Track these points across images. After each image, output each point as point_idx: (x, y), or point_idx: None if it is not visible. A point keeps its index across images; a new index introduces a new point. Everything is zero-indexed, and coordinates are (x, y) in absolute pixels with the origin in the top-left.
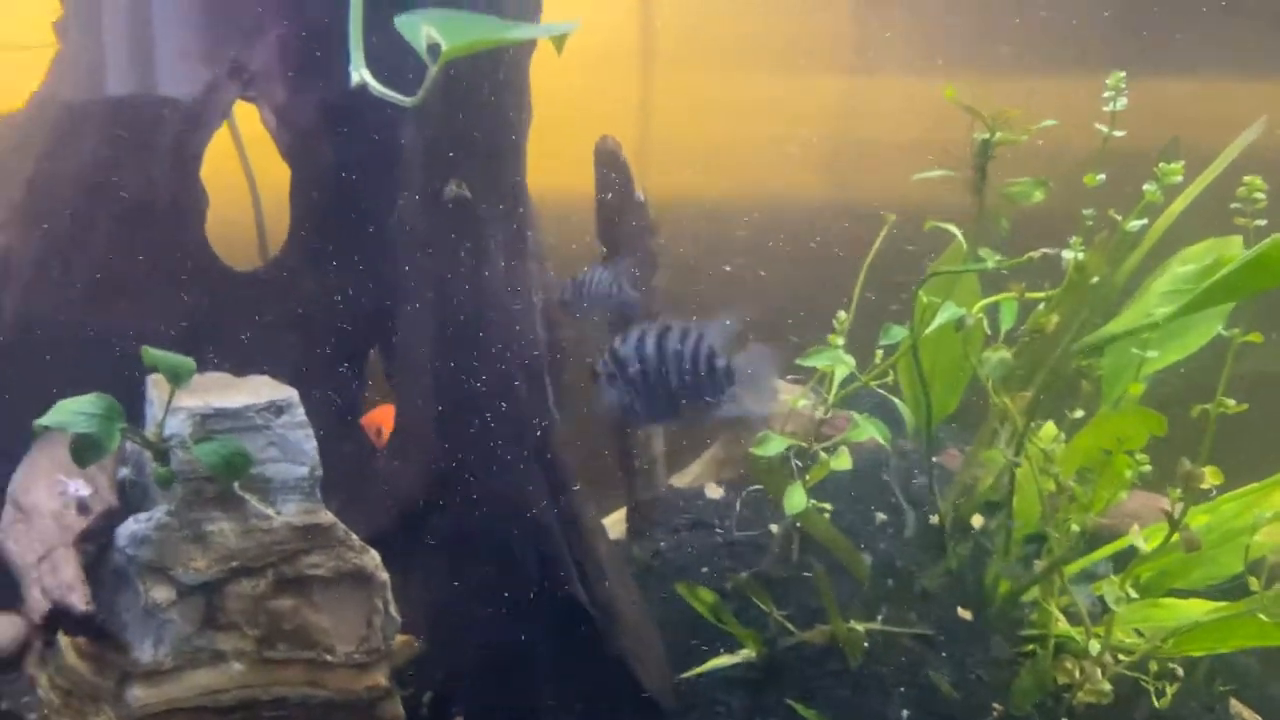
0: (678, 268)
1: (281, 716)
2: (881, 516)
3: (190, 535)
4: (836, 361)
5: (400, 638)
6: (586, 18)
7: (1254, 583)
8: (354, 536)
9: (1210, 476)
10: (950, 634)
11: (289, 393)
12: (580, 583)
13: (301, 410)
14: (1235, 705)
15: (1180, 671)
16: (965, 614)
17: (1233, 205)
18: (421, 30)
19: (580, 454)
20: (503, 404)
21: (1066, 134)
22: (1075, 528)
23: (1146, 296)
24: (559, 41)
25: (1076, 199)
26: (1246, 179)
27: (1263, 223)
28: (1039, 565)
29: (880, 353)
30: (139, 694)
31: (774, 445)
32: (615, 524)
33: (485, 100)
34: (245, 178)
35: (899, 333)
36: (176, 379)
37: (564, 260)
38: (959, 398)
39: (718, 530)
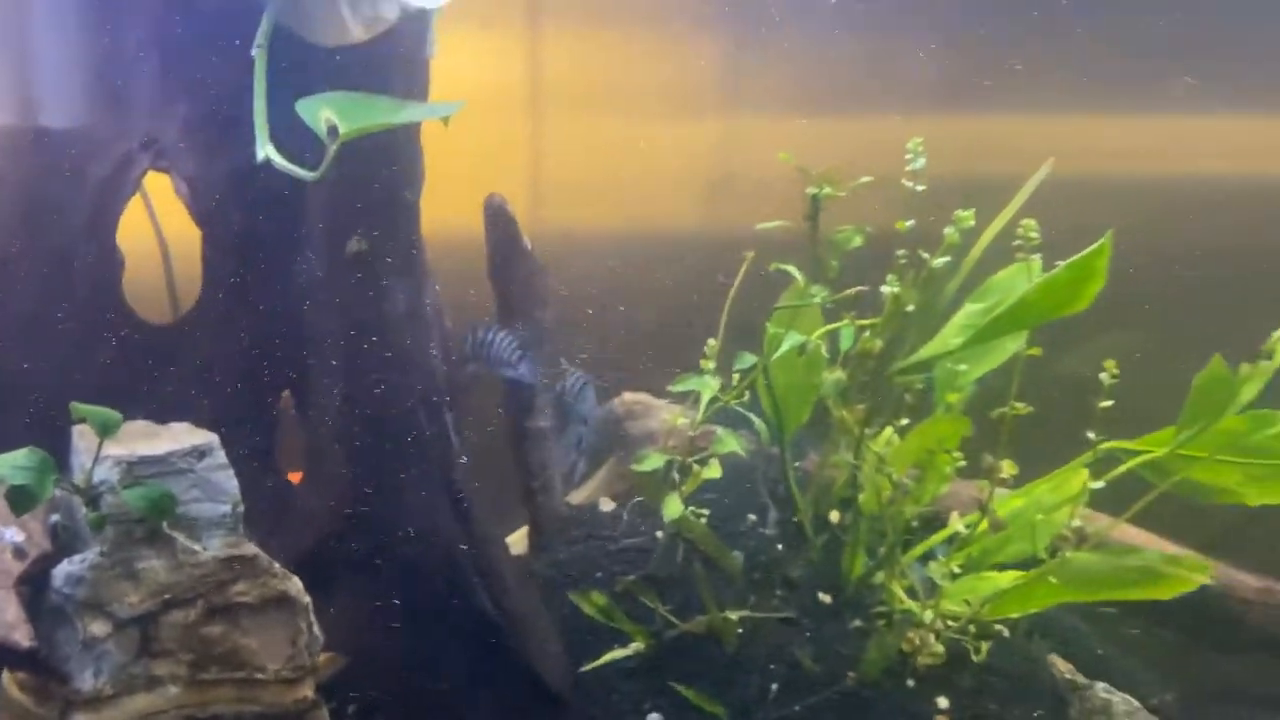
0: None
1: None
2: (752, 517)
3: (123, 573)
4: (702, 386)
5: (325, 655)
6: (478, 65)
7: (1042, 554)
8: (276, 565)
9: (1007, 469)
10: (813, 616)
11: (209, 437)
12: (485, 594)
13: (222, 453)
14: (1053, 659)
15: (1005, 632)
16: (825, 598)
17: (1015, 243)
18: (320, 113)
19: (484, 479)
20: (407, 437)
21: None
22: (909, 517)
23: (948, 328)
24: (445, 120)
25: (940, 222)
26: (1023, 222)
27: (1037, 258)
28: (882, 551)
29: (737, 375)
30: None
31: (653, 461)
32: (519, 540)
33: (380, 161)
34: (157, 240)
35: (749, 359)
36: (105, 430)
37: (460, 302)
38: (809, 411)
39: (610, 540)
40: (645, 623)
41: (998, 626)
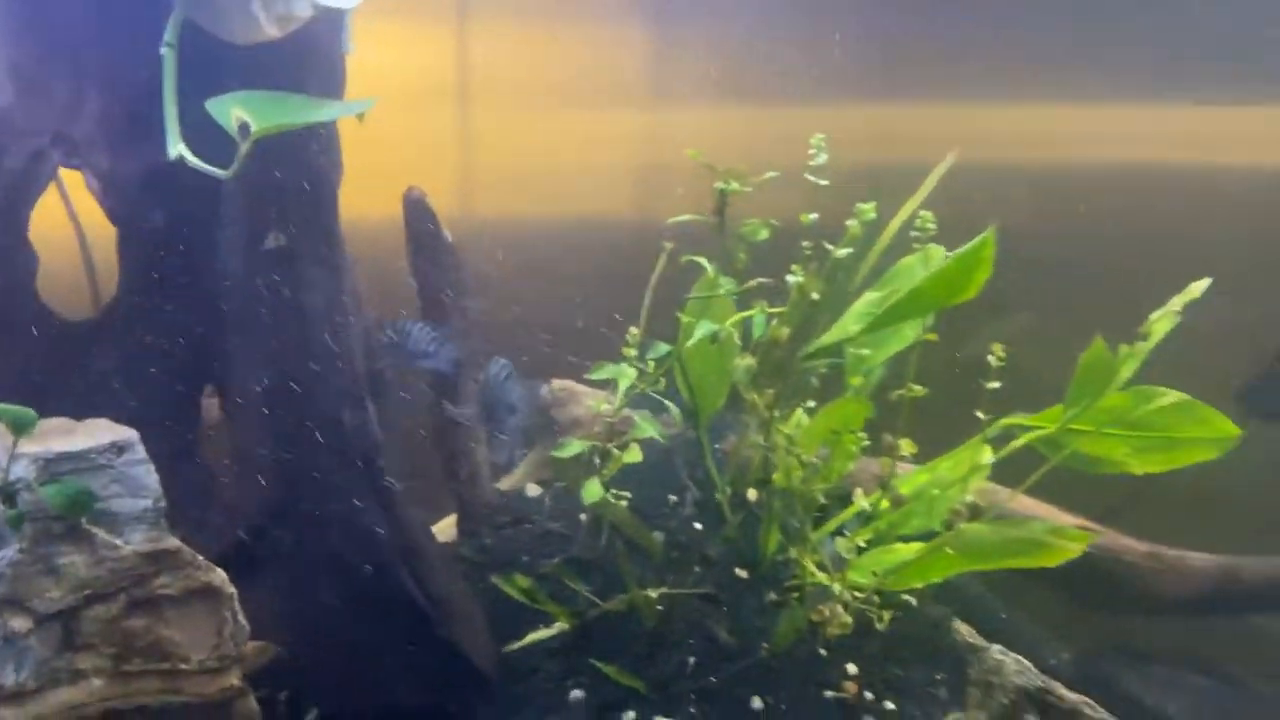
0: (498, 289)
1: None
2: (673, 499)
3: (43, 569)
4: (620, 373)
5: (255, 645)
6: (405, 58)
7: (939, 527)
8: (199, 557)
9: (905, 447)
10: (730, 591)
11: (128, 433)
12: (411, 580)
13: (141, 448)
14: (957, 624)
15: (913, 601)
16: (742, 573)
17: (912, 233)
18: (232, 112)
19: (410, 469)
20: (330, 429)
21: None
22: (819, 495)
23: (848, 316)
24: (360, 117)
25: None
26: (920, 213)
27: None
28: (794, 527)
29: (652, 364)
30: (5, 715)
31: (572, 448)
32: (447, 528)
33: (298, 157)
34: (75, 236)
35: (663, 348)
36: (19, 428)
37: (385, 294)
38: (724, 396)
39: (535, 524)
40: (569, 603)
41: (905, 596)
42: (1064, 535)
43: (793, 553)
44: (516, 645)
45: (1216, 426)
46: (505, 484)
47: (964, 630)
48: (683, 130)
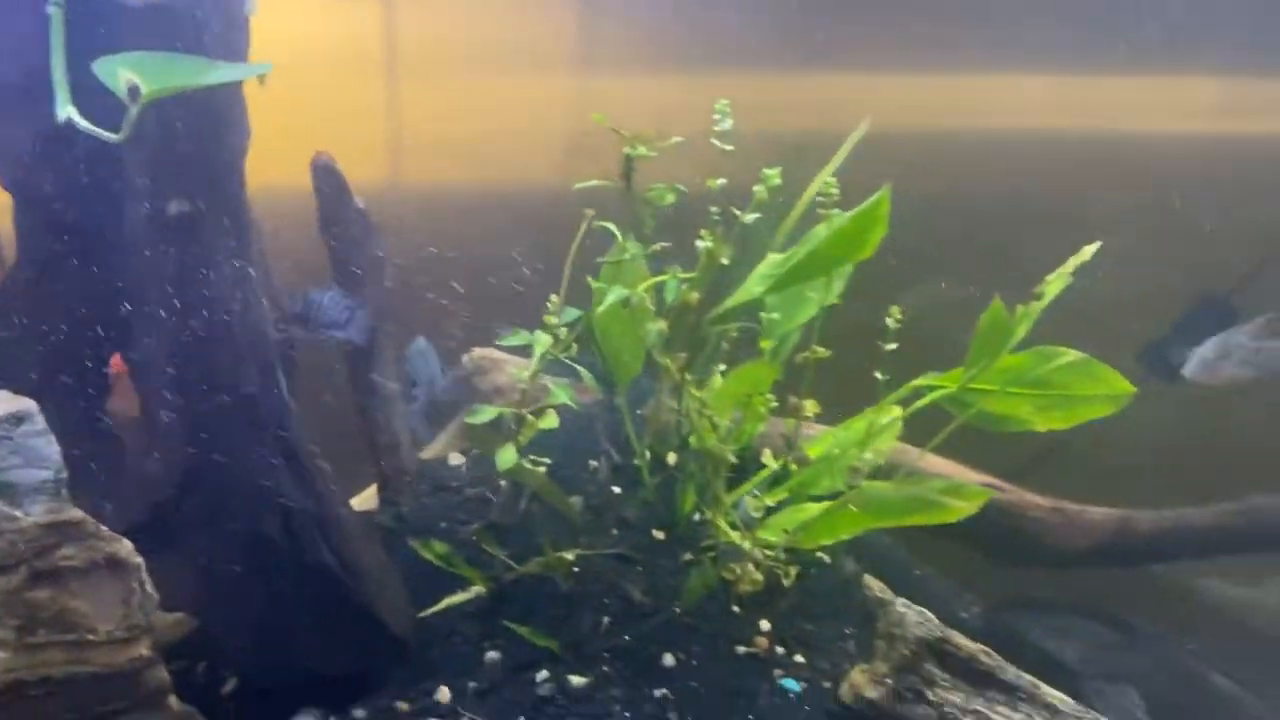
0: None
1: (50, 693)
2: (594, 464)
3: None
4: (534, 340)
5: (171, 616)
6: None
7: (843, 486)
8: (104, 528)
9: (809, 408)
10: (647, 553)
11: (27, 404)
12: (326, 548)
13: (41, 419)
14: (868, 580)
15: (826, 558)
16: (659, 535)
17: (817, 198)
18: (120, 74)
19: (331, 439)
20: (238, 397)
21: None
22: (731, 456)
23: (752, 278)
24: (263, 79)
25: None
26: (827, 179)
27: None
28: (708, 489)
29: (564, 330)
30: None
31: (484, 414)
32: (370, 497)
33: (201, 121)
34: None
35: (572, 313)
36: None
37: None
38: (641, 361)
39: (456, 491)
40: (487, 568)
41: (819, 554)
42: (961, 492)
43: (707, 514)
44: (432, 610)
45: (1112, 384)
46: (428, 453)
47: (875, 586)
48: (612, 96)
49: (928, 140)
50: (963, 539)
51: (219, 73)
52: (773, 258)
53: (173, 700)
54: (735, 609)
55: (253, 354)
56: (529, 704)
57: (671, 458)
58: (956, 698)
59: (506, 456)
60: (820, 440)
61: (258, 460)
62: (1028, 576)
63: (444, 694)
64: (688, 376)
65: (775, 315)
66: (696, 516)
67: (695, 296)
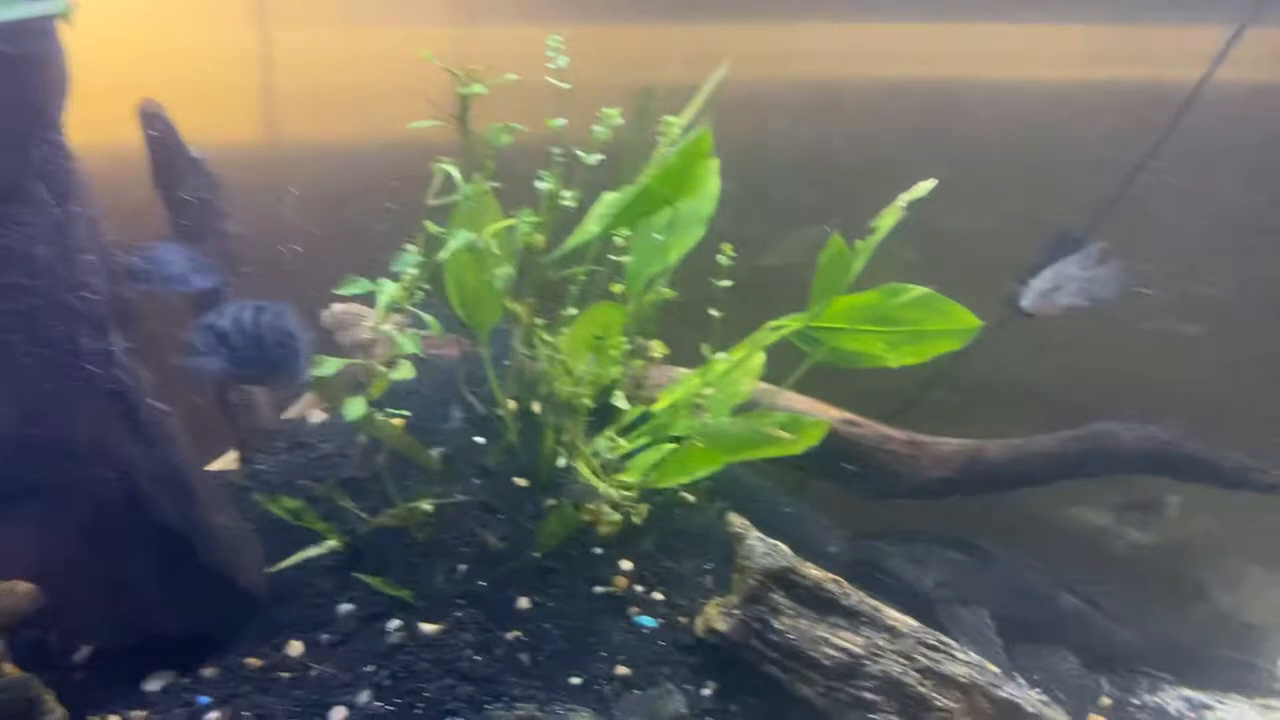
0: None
1: None
2: (458, 415)
3: None
4: (378, 287)
5: (22, 587)
6: None
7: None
8: None
9: (657, 349)
10: (509, 500)
11: None
12: (170, 508)
13: None
14: (732, 518)
15: (691, 498)
16: (522, 482)
17: (657, 138)
18: None
19: (184, 398)
20: (69, 357)
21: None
22: (590, 400)
23: (588, 218)
24: (63, 16)
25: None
26: (664, 119)
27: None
28: (566, 434)
29: (409, 276)
30: None
31: (329, 366)
32: (232, 459)
33: (12, 75)
34: None
35: (410, 258)
36: None
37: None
38: (500, 309)
39: (314, 448)
40: (345, 522)
41: (683, 494)
42: (802, 425)
43: (569, 459)
44: (282, 565)
45: (958, 319)
46: (293, 413)
47: (737, 522)
48: (492, 46)
49: (809, 90)
50: (825, 474)
51: (6, 9)
52: (608, 196)
53: (7, 667)
54: (597, 551)
55: (82, 312)
56: (379, 652)
57: (536, 407)
58: (801, 625)
59: (354, 408)
60: (685, 383)
61: (92, 421)
62: (887, 508)
63: (296, 648)
64: (538, 322)
65: (626, 258)
66: (561, 463)
67: (540, 239)
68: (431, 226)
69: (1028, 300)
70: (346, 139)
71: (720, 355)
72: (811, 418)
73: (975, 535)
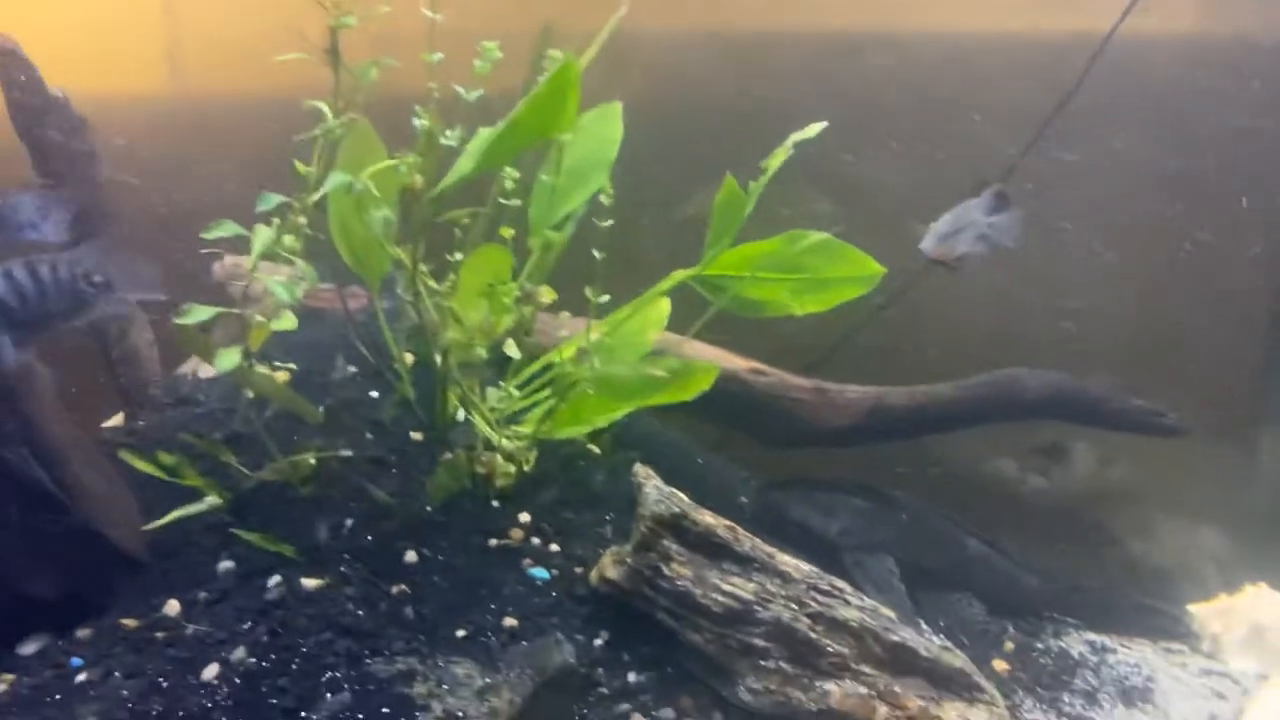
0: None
1: None
2: (352, 368)
3: None
4: (254, 233)
5: None
6: None
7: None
8: None
9: (545, 294)
10: (403, 455)
11: None
12: (39, 467)
13: None
14: (638, 468)
15: (597, 449)
16: (418, 436)
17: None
18: None
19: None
20: None
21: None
22: (482, 351)
23: (463, 157)
24: None
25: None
26: (551, 53)
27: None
28: (461, 385)
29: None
30: None
31: (197, 314)
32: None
33: None
34: None
35: (273, 199)
36: None
37: None
38: (389, 257)
39: (200, 403)
40: (228, 479)
41: (590, 446)
42: (693, 370)
43: (467, 412)
44: (158, 523)
45: (861, 265)
46: (187, 369)
47: (641, 472)
48: None
49: (729, 41)
50: (733, 423)
51: None
52: (483, 133)
53: None
54: (494, 504)
55: None
56: (257, 609)
57: (438, 358)
58: (692, 572)
59: (227, 360)
60: (587, 332)
61: None
62: (790, 454)
63: (173, 607)
64: (423, 268)
65: (515, 202)
66: (461, 416)
67: (420, 180)
68: (300, 167)
69: (926, 244)
70: (251, 89)
71: (603, 298)
72: (701, 362)
73: (884, 483)
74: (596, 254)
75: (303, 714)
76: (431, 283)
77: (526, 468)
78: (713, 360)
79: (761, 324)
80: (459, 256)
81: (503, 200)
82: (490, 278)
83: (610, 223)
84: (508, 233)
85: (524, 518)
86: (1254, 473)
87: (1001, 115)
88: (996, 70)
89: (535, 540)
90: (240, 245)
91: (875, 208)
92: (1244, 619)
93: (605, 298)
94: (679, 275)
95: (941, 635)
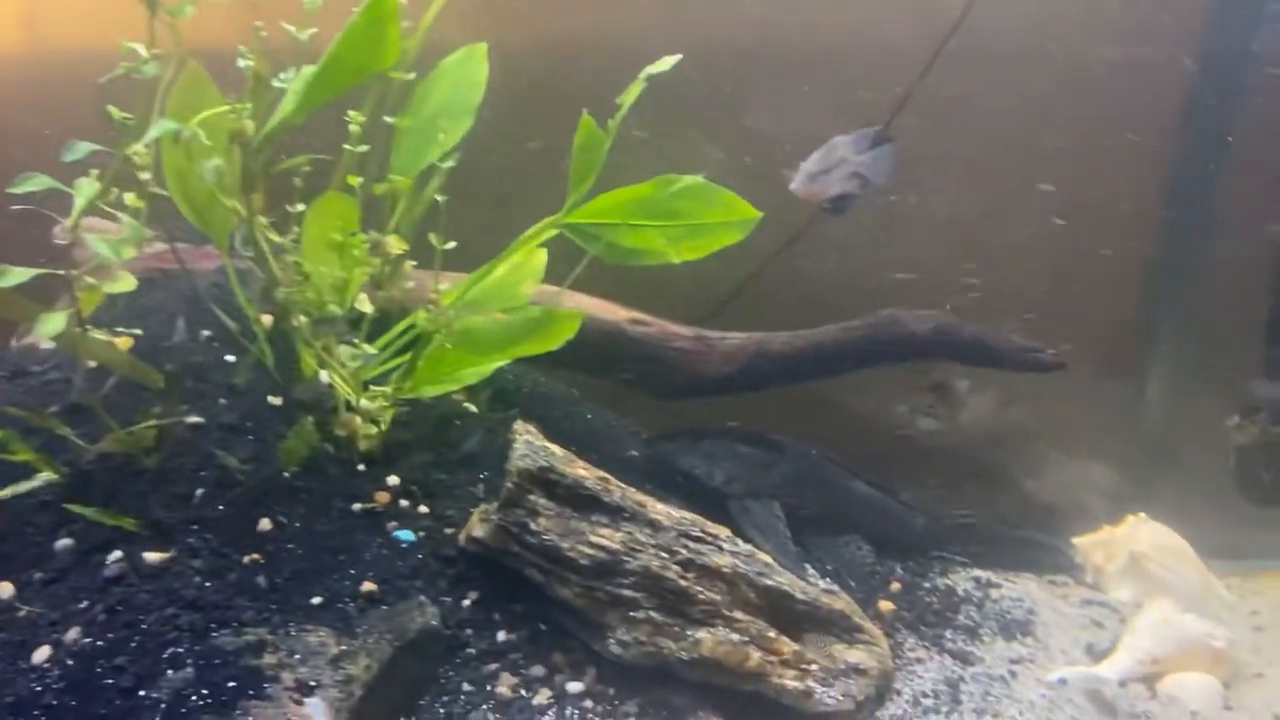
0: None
1: None
2: (206, 332)
3: None
4: (77, 188)
5: None
6: None
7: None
8: None
9: (394, 244)
10: (259, 420)
11: None
12: None
13: None
14: (519, 425)
15: (473, 408)
16: (275, 400)
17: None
18: None
19: None
20: None
21: None
22: (335, 308)
23: (286, 97)
24: None
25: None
26: None
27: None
28: (316, 344)
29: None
30: None
31: (12, 276)
32: None
33: None
34: None
35: (82, 148)
36: None
37: None
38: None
39: (38, 375)
40: (67, 453)
41: (467, 405)
42: (556, 319)
43: (325, 372)
44: None
45: (737, 210)
46: (31, 338)
47: (521, 429)
48: None
49: None
50: (617, 375)
51: None
52: (305, 71)
53: None
54: (361, 468)
55: None
56: (95, 587)
57: (300, 320)
58: (559, 525)
59: (51, 325)
60: (462, 285)
61: None
62: (676, 405)
63: (5, 589)
64: (263, 220)
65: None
66: (325, 379)
67: (249, 125)
68: (115, 112)
69: (796, 184)
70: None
71: (449, 244)
72: (565, 310)
73: (773, 430)
74: (439, 198)
75: (140, 693)
76: (275, 236)
77: (383, 428)
78: (591, 311)
79: (694, 279)
80: (301, 208)
81: (347, 147)
82: (337, 229)
83: (452, 163)
84: (355, 181)
85: (392, 480)
86: (1140, 408)
87: (887, 56)
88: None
89: (403, 503)
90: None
91: (768, 157)
92: (1124, 549)
93: (450, 244)
94: (549, 223)
95: (828, 579)
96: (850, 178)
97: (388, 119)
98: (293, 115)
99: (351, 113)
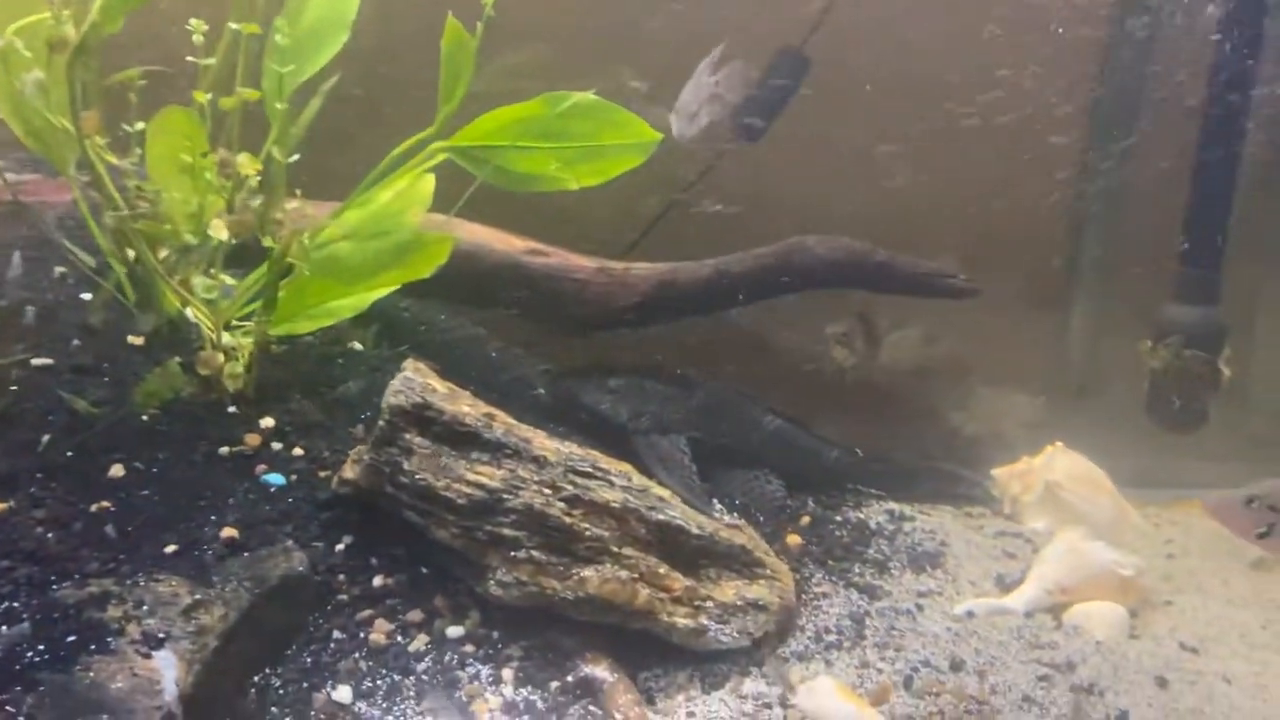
0: None
1: None
2: (61, 269)
3: None
4: None
5: None
6: None
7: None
8: None
9: (246, 166)
10: (115, 361)
11: None
12: None
13: None
14: (410, 363)
15: (358, 346)
16: (137, 340)
17: None
18: None
19: None
20: None
21: None
22: (190, 237)
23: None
24: None
25: None
26: None
27: None
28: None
29: None
30: None
31: None
32: None
33: None
34: None
35: None
36: None
37: None
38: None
39: None
40: None
41: (353, 344)
42: (423, 244)
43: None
44: None
45: (636, 131)
46: None
47: (410, 367)
48: None
49: None
50: (517, 309)
51: None
52: None
53: None
54: (231, 409)
55: None
56: None
57: (163, 252)
58: (435, 464)
59: None
60: (345, 215)
61: None
62: (591, 345)
63: None
64: (100, 140)
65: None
66: (191, 316)
67: (69, 32)
68: None
69: (677, 130)
70: None
71: (291, 158)
72: (432, 235)
73: (684, 365)
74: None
75: None
76: (111, 157)
77: (247, 366)
78: (485, 241)
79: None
80: (140, 126)
81: (191, 59)
82: (184, 149)
83: (333, 81)
84: (202, 97)
85: (267, 422)
86: (1063, 341)
87: None
88: None
89: (276, 445)
90: None
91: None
92: (1040, 479)
93: (294, 157)
94: (434, 148)
95: (736, 514)
96: (713, 103)
97: (243, 28)
98: (103, 21)
99: (194, 20)
